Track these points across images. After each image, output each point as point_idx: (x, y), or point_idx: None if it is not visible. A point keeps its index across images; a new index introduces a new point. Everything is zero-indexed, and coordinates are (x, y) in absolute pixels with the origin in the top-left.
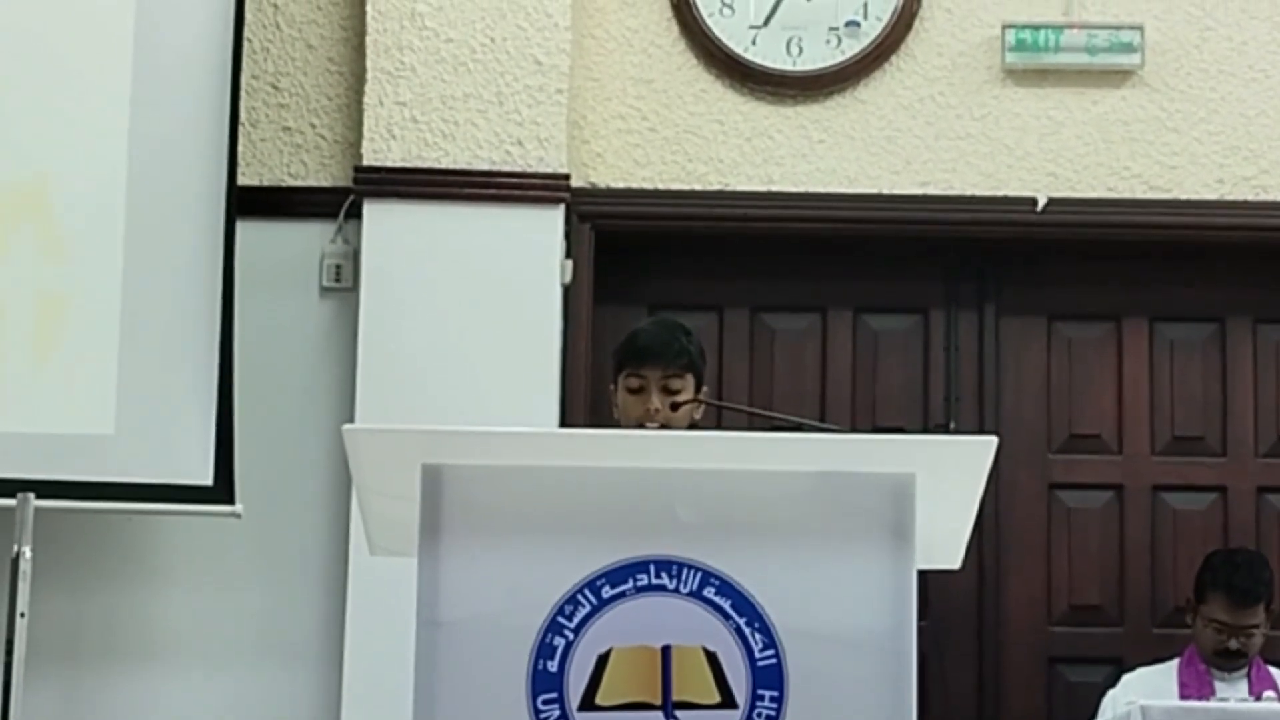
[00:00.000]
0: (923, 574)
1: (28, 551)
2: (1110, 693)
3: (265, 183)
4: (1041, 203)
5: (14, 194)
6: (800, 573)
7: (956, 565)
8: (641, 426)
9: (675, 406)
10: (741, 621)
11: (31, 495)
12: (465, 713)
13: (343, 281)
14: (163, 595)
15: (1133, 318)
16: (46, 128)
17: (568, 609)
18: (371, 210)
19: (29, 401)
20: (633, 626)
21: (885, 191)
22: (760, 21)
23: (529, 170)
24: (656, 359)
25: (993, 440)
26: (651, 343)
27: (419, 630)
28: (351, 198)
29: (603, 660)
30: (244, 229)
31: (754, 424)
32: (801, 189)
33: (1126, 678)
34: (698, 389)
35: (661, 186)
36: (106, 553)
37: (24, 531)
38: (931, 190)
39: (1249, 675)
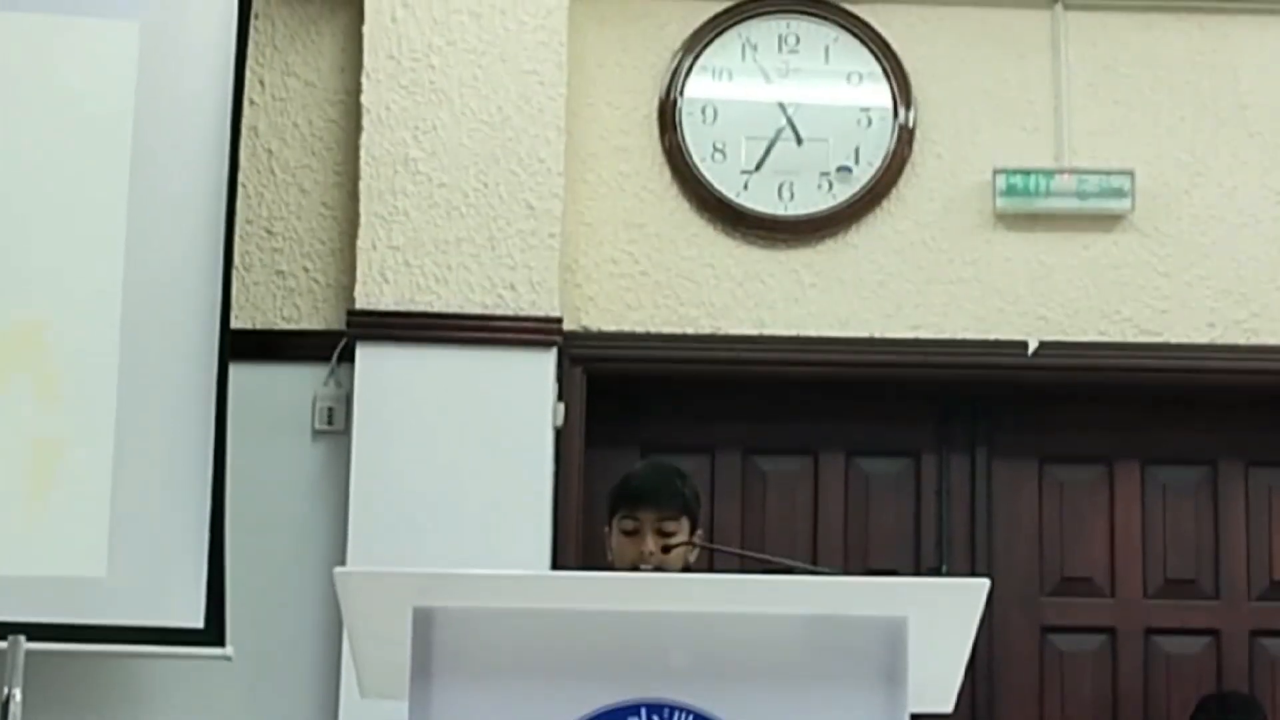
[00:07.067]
0: (915, 718)
1: (18, 694)
2: None
3: (258, 326)
4: (1033, 346)
5: (10, 339)
6: (793, 717)
7: (949, 709)
8: (636, 569)
9: (668, 549)
10: None
11: (23, 638)
12: None
13: (335, 425)
14: None
15: (1125, 461)
16: (42, 273)
17: None
18: (364, 353)
19: (22, 544)
20: None
21: (877, 335)
22: (752, 166)
23: (521, 314)
24: (651, 502)
25: (985, 583)
26: (646, 486)
27: None
28: (344, 341)
29: None
30: (237, 372)
31: (746, 566)
32: (793, 332)
33: None
34: (693, 531)
35: (653, 330)
36: (98, 695)
37: (15, 674)
38: (923, 334)
39: None
